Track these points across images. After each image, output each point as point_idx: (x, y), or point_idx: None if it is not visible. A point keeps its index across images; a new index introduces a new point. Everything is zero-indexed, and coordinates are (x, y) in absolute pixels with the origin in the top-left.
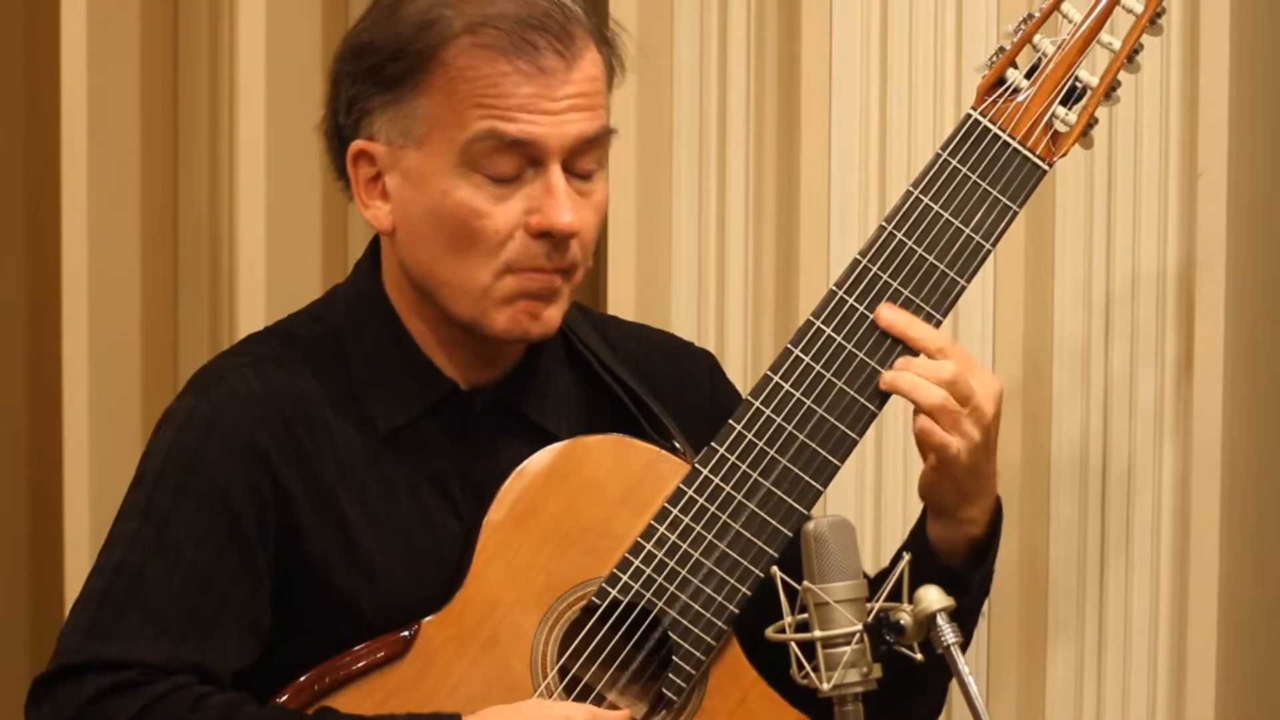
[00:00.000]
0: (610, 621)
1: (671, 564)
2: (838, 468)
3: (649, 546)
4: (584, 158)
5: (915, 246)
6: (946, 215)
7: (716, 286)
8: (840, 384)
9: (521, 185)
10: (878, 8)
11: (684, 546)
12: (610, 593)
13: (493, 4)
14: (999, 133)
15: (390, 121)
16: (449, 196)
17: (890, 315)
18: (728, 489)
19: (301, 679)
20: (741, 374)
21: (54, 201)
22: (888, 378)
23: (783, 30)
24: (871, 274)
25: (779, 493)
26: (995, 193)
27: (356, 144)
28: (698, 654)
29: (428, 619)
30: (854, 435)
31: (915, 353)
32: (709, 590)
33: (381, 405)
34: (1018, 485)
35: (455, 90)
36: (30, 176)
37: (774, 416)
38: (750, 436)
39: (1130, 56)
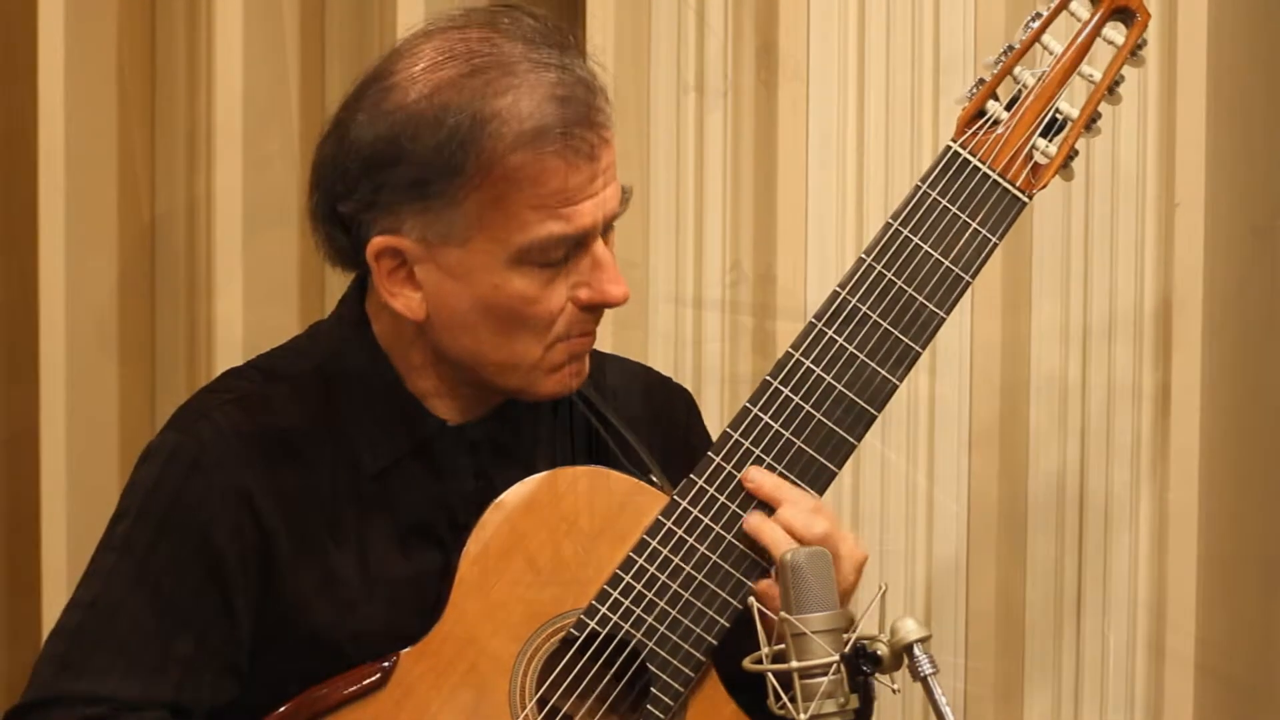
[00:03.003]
0: (589, 653)
1: (650, 595)
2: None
3: (627, 578)
4: (610, 221)
5: (894, 278)
6: (926, 247)
7: (694, 316)
8: (819, 416)
9: (566, 263)
10: (854, 37)
11: (662, 578)
12: (589, 624)
13: (532, 103)
14: (979, 165)
15: (426, 223)
16: (502, 290)
17: (759, 477)
18: (706, 520)
19: (280, 710)
20: (718, 406)
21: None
22: (752, 524)
23: (760, 59)
24: (851, 306)
25: None
26: (975, 225)
27: (382, 240)
28: (676, 685)
29: (406, 650)
30: (833, 468)
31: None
32: (687, 621)
33: (368, 445)
34: (995, 523)
35: (506, 195)
36: (6, 189)
37: (752, 449)
38: (729, 469)
39: (1111, 88)
